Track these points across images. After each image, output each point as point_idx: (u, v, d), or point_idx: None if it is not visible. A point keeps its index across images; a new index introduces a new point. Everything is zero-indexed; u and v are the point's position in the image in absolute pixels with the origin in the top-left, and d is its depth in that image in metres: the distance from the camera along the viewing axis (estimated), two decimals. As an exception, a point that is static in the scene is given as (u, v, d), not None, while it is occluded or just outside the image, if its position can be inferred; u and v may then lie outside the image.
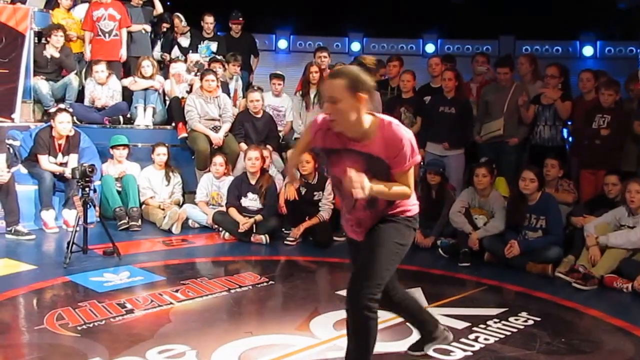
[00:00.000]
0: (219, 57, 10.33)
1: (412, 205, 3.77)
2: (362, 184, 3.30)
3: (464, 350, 4.38)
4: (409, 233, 3.77)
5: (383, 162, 3.53)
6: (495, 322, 4.97)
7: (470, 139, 8.54)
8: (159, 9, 11.08)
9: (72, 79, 9.70)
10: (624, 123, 7.56)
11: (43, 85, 9.49)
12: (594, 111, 7.67)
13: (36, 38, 9.82)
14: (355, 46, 15.54)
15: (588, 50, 14.83)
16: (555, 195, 7.21)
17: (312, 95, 9.25)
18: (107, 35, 10.15)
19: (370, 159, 3.54)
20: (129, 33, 10.47)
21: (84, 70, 10.36)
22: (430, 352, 4.27)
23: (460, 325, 4.88)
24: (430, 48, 15.27)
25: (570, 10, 13.34)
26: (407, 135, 3.55)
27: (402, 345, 4.43)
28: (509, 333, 4.77)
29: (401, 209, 3.71)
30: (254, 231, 7.71)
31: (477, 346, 4.48)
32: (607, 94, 7.54)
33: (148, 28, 10.74)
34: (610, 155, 7.47)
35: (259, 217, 7.75)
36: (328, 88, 3.49)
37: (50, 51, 9.63)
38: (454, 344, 4.45)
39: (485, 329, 4.83)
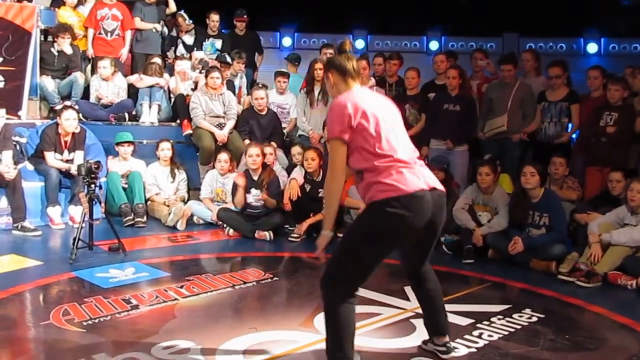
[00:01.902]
0: (227, 59, 10.32)
1: (381, 188, 3.64)
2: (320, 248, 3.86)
3: (468, 347, 4.39)
4: (380, 217, 3.63)
5: None
6: (499, 319, 4.98)
7: (474, 136, 8.55)
8: (172, 7, 11.06)
9: (78, 76, 9.73)
10: (631, 121, 7.56)
11: (49, 83, 9.52)
12: (601, 108, 7.67)
13: (42, 36, 9.85)
14: (360, 43, 15.53)
15: (592, 47, 14.81)
16: (560, 192, 7.23)
17: (316, 92, 9.25)
18: (109, 34, 10.21)
19: None
20: (139, 30, 10.51)
21: (88, 67, 10.40)
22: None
23: (464, 321, 4.89)
24: (434, 45, 15.26)
25: (574, 7, 13.33)
26: (336, 107, 3.74)
27: (403, 342, 4.45)
28: (512, 330, 4.77)
29: (371, 195, 3.70)
30: (260, 219, 7.81)
31: (481, 343, 4.48)
32: (613, 89, 7.54)
33: (159, 27, 10.76)
34: (616, 152, 7.47)
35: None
36: None
37: (64, 47, 9.67)
38: (457, 340, 4.47)
39: (489, 325, 4.83)
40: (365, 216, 3.73)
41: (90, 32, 10.21)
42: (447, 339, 4.18)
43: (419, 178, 3.75)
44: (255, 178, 7.97)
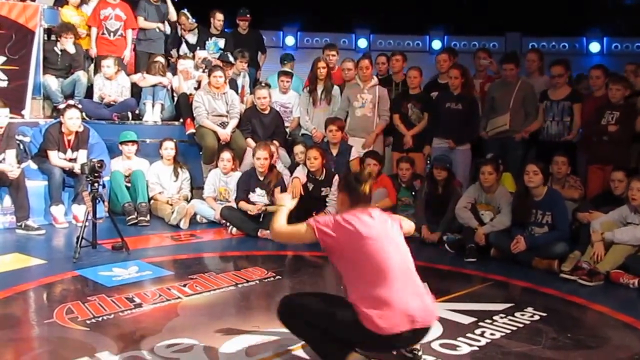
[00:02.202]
0: (229, 58, 10.33)
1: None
2: None
3: (470, 345, 4.40)
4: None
5: None
6: (501, 317, 4.98)
7: (476, 135, 8.56)
8: (172, 15, 11.04)
9: (81, 75, 9.74)
10: (633, 119, 7.57)
11: (52, 82, 9.55)
12: (603, 107, 7.68)
13: (45, 35, 9.88)
14: (362, 43, 15.58)
15: (595, 47, 14.83)
16: (562, 191, 7.23)
17: (319, 92, 9.26)
18: (112, 34, 10.21)
19: None
20: (143, 30, 10.53)
21: (91, 66, 10.42)
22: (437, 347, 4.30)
23: (467, 320, 4.90)
24: (436, 44, 15.30)
25: (576, 6, 13.34)
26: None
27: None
28: (515, 328, 4.78)
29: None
30: (263, 217, 7.78)
31: (483, 341, 4.49)
32: (614, 89, 7.56)
33: (162, 26, 10.78)
34: (618, 151, 7.49)
35: (271, 207, 7.75)
36: None
37: (67, 46, 9.71)
38: (460, 338, 4.49)
39: (491, 324, 4.84)
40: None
41: (94, 31, 10.22)
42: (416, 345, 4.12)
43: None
44: (262, 178, 7.98)
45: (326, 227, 3.80)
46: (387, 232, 3.86)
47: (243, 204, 7.94)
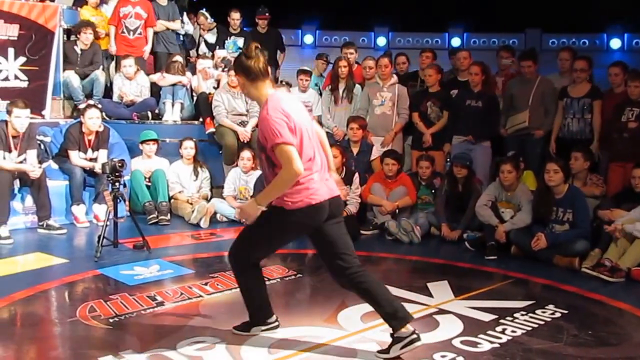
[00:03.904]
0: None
1: (293, 200, 4.03)
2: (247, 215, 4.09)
3: (491, 343, 4.40)
4: (278, 221, 4.14)
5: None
6: (522, 315, 4.98)
7: (496, 132, 8.52)
8: (175, 26, 11.01)
9: (99, 74, 9.82)
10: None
11: (74, 79, 9.63)
12: (623, 104, 7.63)
13: (65, 35, 9.95)
14: (381, 41, 15.56)
15: (616, 43, 14.73)
16: (583, 188, 7.19)
17: (340, 90, 9.26)
18: (131, 33, 10.26)
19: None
20: (155, 33, 10.59)
21: (111, 65, 10.48)
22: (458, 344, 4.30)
23: (487, 317, 4.90)
24: (456, 42, 15.26)
25: (597, 2, 13.24)
26: (272, 112, 3.97)
27: (427, 338, 4.46)
28: (536, 325, 4.77)
29: (279, 201, 4.06)
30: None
31: (505, 338, 4.49)
32: (633, 86, 7.51)
33: (173, 26, 10.81)
34: (638, 148, 7.42)
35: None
36: None
37: (87, 43, 9.80)
38: (480, 335, 4.48)
39: (512, 321, 4.83)
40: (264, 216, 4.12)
41: (112, 29, 10.29)
42: (272, 319, 4.50)
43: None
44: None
45: (287, 130, 3.93)
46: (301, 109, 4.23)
47: (230, 199, 8.39)
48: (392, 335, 4.10)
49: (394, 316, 4.09)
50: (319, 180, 4.09)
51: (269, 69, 4.28)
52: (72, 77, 9.62)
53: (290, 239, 4.48)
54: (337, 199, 4.23)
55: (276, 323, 4.53)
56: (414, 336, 4.06)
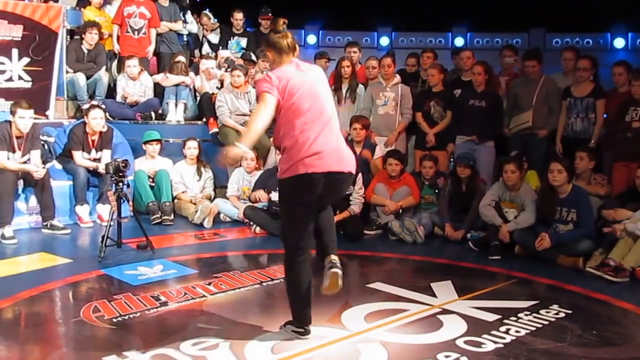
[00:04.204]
0: (252, 57, 10.38)
1: (282, 168, 4.22)
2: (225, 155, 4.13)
3: (495, 343, 4.39)
4: (280, 195, 4.35)
5: None
6: (526, 315, 4.97)
7: (500, 132, 8.50)
8: (176, 27, 11.06)
9: (102, 75, 9.85)
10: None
11: (80, 78, 9.65)
12: (627, 104, 7.61)
13: (68, 36, 9.96)
14: (384, 40, 15.56)
15: (619, 42, 14.70)
16: (588, 188, 7.17)
17: (344, 90, 9.25)
18: (136, 32, 10.27)
19: None
20: (157, 34, 10.60)
21: (114, 66, 10.50)
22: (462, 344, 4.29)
23: (491, 317, 4.89)
24: (459, 41, 15.23)
25: (601, 2, 13.21)
26: (266, 74, 4.35)
27: (430, 338, 4.47)
28: (540, 325, 4.76)
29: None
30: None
31: (508, 338, 4.48)
32: (637, 86, 7.48)
33: (175, 27, 10.82)
34: (642, 148, 7.41)
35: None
36: None
37: (92, 43, 9.84)
38: (484, 336, 4.48)
39: (516, 321, 4.82)
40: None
41: (115, 28, 10.31)
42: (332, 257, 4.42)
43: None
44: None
45: (270, 86, 4.14)
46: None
47: (233, 199, 8.38)
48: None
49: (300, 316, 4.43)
50: (315, 152, 4.12)
51: (297, 45, 4.45)
52: (78, 76, 9.64)
53: (303, 214, 4.28)
54: (335, 175, 4.22)
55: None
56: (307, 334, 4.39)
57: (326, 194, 4.20)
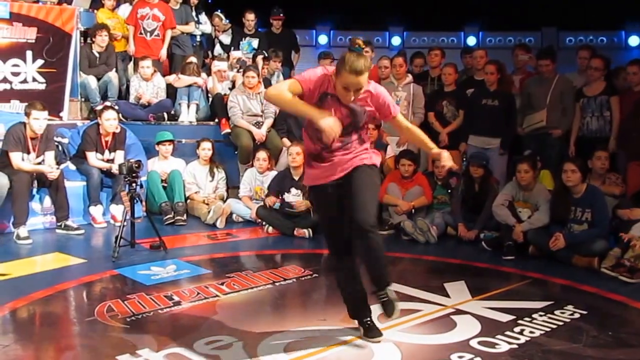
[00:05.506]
0: (265, 54, 10.41)
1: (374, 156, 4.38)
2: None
3: (509, 343, 4.36)
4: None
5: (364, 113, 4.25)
6: (540, 315, 4.94)
7: (514, 132, 8.47)
8: (188, 29, 11.03)
9: (112, 76, 9.88)
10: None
11: (92, 81, 9.68)
12: (642, 102, 7.58)
13: (82, 38, 10.00)
14: (396, 40, 15.54)
15: (634, 40, 14.59)
16: (602, 187, 7.13)
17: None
18: (149, 34, 10.31)
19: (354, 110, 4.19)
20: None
21: (128, 67, 10.53)
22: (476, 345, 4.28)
23: (505, 318, 4.86)
24: (471, 41, 15.20)
25: (614, -1, 13.13)
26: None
27: (444, 338, 4.45)
28: (554, 326, 4.73)
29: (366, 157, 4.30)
30: (299, 216, 7.86)
31: (523, 339, 4.45)
32: (651, 84, 7.46)
33: (187, 29, 10.85)
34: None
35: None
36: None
37: (102, 45, 9.88)
38: (498, 336, 4.46)
39: (530, 322, 4.79)
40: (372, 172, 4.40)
41: (130, 29, 10.35)
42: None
43: None
44: (297, 178, 7.98)
45: (306, 78, 4.08)
46: None
47: (246, 199, 8.43)
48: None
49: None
50: (318, 165, 4.28)
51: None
52: (90, 79, 9.68)
53: (329, 211, 4.39)
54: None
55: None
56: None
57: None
